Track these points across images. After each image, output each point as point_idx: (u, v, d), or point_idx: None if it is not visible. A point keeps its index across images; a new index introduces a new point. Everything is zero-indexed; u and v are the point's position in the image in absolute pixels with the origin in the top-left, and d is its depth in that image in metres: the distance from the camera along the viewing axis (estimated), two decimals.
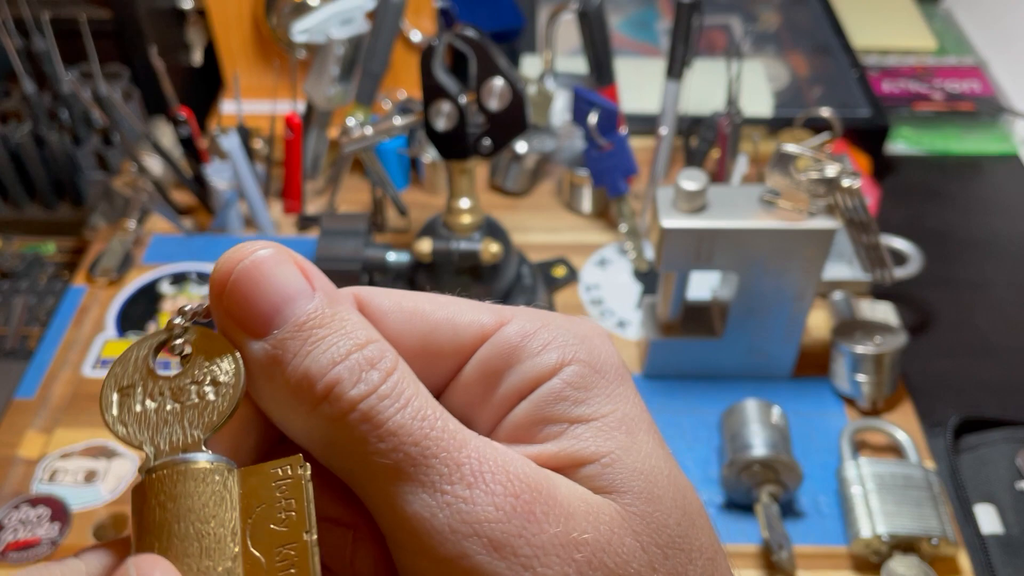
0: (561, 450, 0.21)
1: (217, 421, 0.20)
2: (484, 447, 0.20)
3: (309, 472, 0.19)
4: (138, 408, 0.20)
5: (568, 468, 0.21)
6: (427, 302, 0.23)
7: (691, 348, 0.68)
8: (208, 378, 0.20)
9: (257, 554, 0.19)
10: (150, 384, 0.21)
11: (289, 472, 0.19)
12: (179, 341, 0.21)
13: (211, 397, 0.20)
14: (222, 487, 0.19)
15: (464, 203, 0.68)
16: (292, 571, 0.18)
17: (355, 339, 0.20)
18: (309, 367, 0.19)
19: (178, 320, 0.21)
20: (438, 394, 0.23)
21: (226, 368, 0.20)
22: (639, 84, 0.93)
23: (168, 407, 0.20)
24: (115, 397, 0.21)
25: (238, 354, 0.20)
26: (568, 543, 0.19)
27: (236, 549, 0.18)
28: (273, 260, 0.20)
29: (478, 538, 0.19)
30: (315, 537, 0.19)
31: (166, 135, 0.85)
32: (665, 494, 0.21)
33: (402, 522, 0.19)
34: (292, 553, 0.19)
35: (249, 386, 0.20)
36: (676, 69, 0.78)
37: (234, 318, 0.20)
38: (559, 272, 0.78)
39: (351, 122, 0.76)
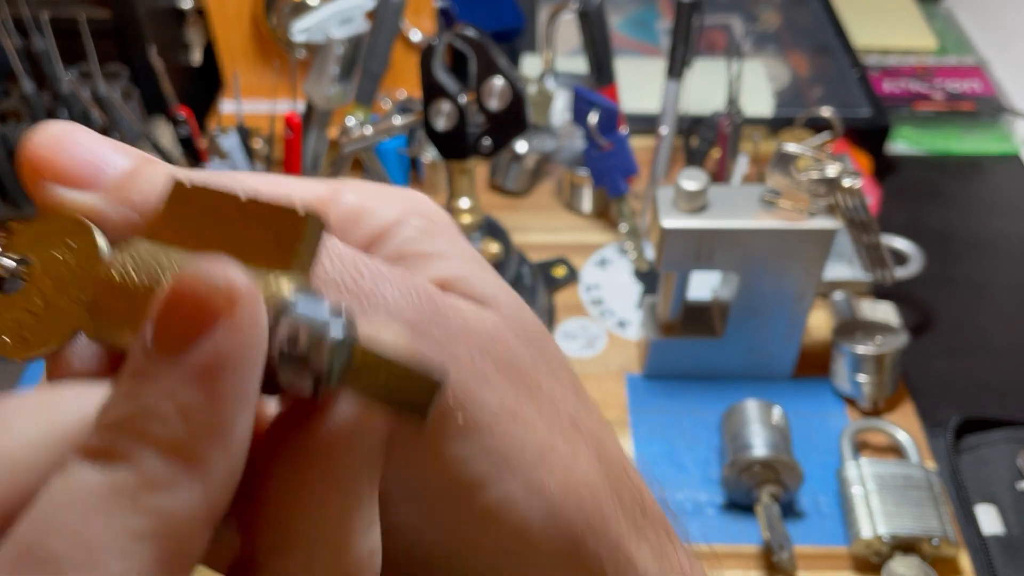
0: (428, 275, 0.22)
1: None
2: (377, 262, 0.20)
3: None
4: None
5: (439, 287, 0.22)
6: (260, 180, 0.22)
7: (691, 348, 0.68)
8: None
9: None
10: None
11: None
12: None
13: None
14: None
15: (464, 203, 0.68)
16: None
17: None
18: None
19: None
20: None
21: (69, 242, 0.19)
22: (639, 84, 0.93)
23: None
24: None
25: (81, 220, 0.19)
26: (468, 331, 0.20)
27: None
28: (72, 127, 0.19)
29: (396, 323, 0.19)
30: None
31: (165, 135, 0.85)
32: (523, 307, 0.23)
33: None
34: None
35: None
36: (676, 69, 0.78)
37: (54, 178, 0.19)
38: (559, 272, 0.78)
39: (351, 122, 0.76)
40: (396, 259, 0.22)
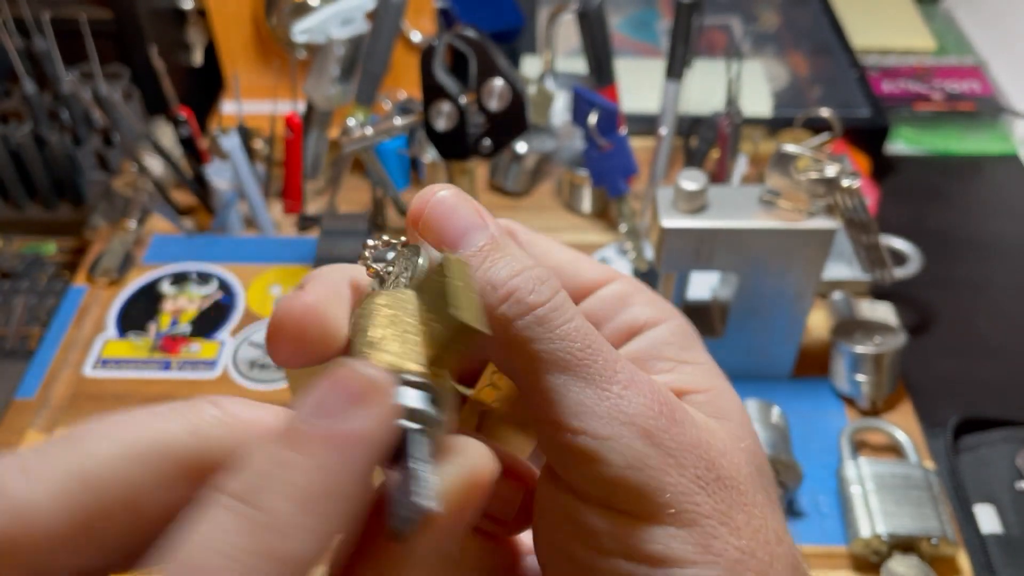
0: (673, 381, 0.26)
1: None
2: (631, 366, 0.24)
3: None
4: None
5: (680, 395, 0.26)
6: (556, 245, 0.28)
7: None
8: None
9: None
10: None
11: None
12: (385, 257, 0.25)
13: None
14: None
15: None
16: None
17: (524, 262, 0.24)
18: (492, 277, 0.23)
19: (375, 242, 0.25)
20: None
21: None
22: (639, 84, 0.94)
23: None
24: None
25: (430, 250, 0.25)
26: (699, 444, 0.24)
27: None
28: (454, 199, 0.25)
29: (633, 426, 0.23)
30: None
31: (166, 135, 0.85)
32: (751, 433, 0.26)
33: (563, 407, 0.23)
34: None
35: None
36: (676, 69, 0.78)
37: (430, 239, 0.24)
38: None
39: (351, 122, 0.76)
40: (648, 358, 0.27)
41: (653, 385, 0.24)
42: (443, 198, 0.25)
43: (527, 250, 0.26)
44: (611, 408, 0.23)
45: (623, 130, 0.77)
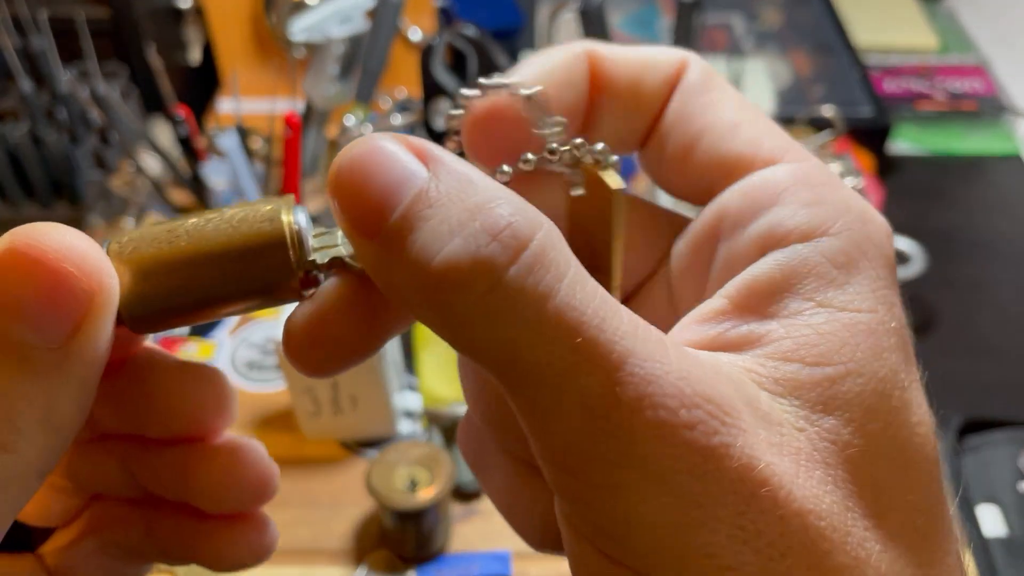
0: (789, 335, 0.17)
1: None
2: (652, 358, 0.16)
3: None
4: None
5: (788, 361, 0.17)
6: (727, 97, 0.21)
7: None
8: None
9: None
10: None
11: None
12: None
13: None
14: None
15: None
16: None
17: (473, 206, 0.16)
18: (419, 252, 0.16)
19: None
20: (703, 195, 0.21)
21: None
22: None
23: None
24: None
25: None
26: (750, 478, 0.16)
27: None
28: (378, 150, 0.17)
29: (639, 470, 0.16)
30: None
31: (164, 134, 0.85)
32: (881, 431, 0.17)
33: (551, 441, 0.16)
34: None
35: (378, 282, 0.18)
36: None
37: (348, 219, 0.17)
38: None
39: (350, 121, 0.76)
40: (775, 291, 0.18)
41: (683, 393, 0.16)
42: (358, 155, 0.17)
43: (688, 100, 0.20)
44: (607, 441, 0.16)
45: None
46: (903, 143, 0.95)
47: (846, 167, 0.58)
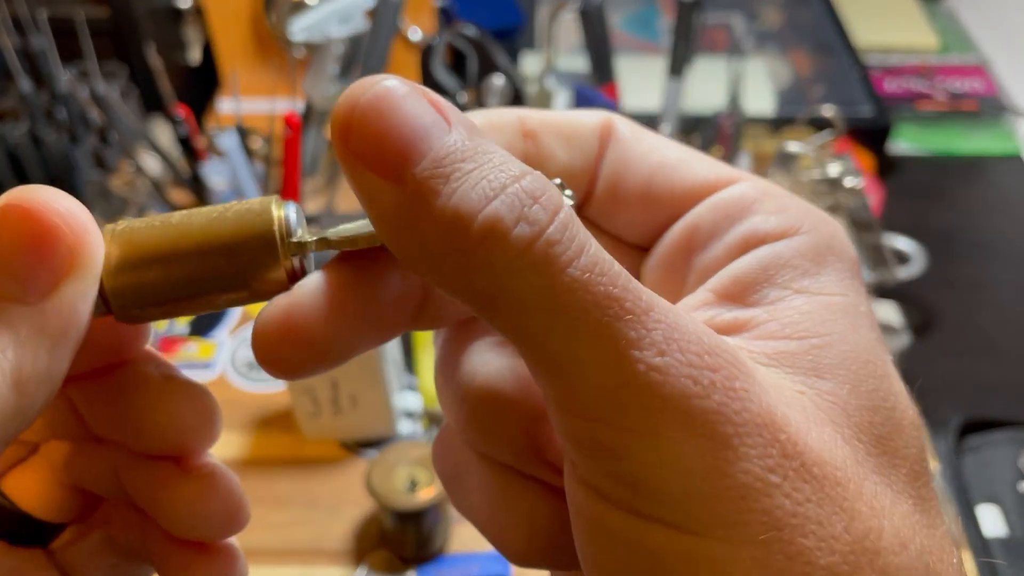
0: (773, 318, 0.19)
1: None
2: (673, 314, 0.17)
3: None
4: None
5: (775, 339, 0.19)
6: (664, 142, 0.22)
7: None
8: None
9: None
10: None
11: None
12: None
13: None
14: None
15: None
16: None
17: (509, 171, 0.16)
18: (459, 206, 0.16)
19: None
20: (649, 244, 0.22)
21: None
22: (640, 82, 0.93)
23: None
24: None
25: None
26: (770, 423, 0.16)
27: None
28: (400, 92, 0.17)
29: (672, 412, 0.16)
30: None
31: (164, 134, 0.84)
32: (873, 391, 0.18)
33: (581, 390, 0.16)
34: None
35: (391, 240, 0.17)
36: (677, 67, 0.77)
37: (364, 160, 0.17)
38: None
39: None
40: (754, 283, 0.20)
41: (704, 342, 0.17)
42: (379, 95, 0.17)
43: (626, 149, 0.21)
44: (641, 390, 0.16)
45: None
46: (903, 143, 0.95)
47: (846, 167, 0.58)
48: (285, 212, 0.19)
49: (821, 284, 0.19)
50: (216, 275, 0.19)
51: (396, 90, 0.17)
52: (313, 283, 0.18)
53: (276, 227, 0.19)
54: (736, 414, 0.16)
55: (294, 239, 0.19)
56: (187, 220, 0.19)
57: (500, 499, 0.21)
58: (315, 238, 0.19)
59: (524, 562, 0.21)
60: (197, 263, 0.19)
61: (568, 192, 0.20)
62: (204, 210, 0.19)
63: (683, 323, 0.17)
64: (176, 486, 0.21)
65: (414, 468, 0.58)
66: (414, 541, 0.58)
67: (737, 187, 0.21)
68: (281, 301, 0.18)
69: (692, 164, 0.22)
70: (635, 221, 0.22)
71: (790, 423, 0.17)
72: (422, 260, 0.17)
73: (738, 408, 0.16)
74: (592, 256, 0.16)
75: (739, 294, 0.20)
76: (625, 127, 0.22)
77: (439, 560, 0.59)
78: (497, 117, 0.22)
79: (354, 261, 0.19)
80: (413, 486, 0.57)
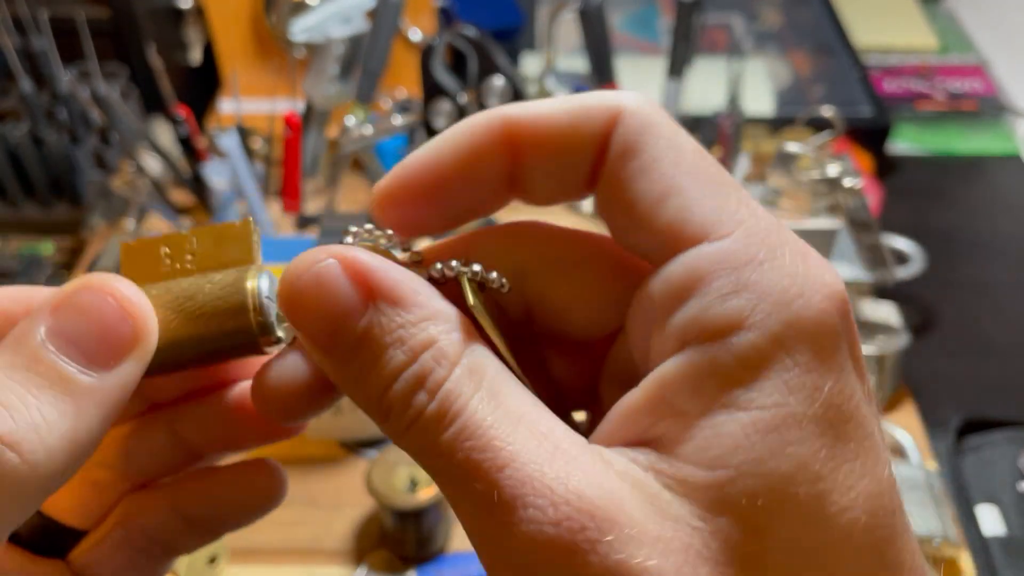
0: (689, 438, 0.18)
1: None
2: (536, 460, 0.18)
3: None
4: None
5: (687, 462, 0.18)
6: (675, 151, 0.19)
7: None
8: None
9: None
10: None
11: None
12: None
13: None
14: None
15: None
16: None
17: (409, 350, 0.19)
18: (369, 393, 0.19)
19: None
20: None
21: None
22: (640, 83, 0.93)
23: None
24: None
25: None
26: (623, 570, 0.17)
27: None
28: (324, 275, 0.19)
29: (519, 570, 0.18)
30: None
31: (164, 134, 0.85)
32: (782, 526, 0.17)
33: (470, 535, 0.19)
34: None
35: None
36: (677, 68, 0.78)
37: (302, 331, 0.20)
38: None
39: (350, 121, 0.76)
40: (684, 388, 0.18)
41: (556, 493, 0.17)
42: (312, 276, 0.19)
43: (625, 162, 0.19)
44: (492, 546, 0.18)
45: None
46: (903, 143, 0.95)
47: (845, 167, 0.58)
48: (258, 285, 0.22)
49: (752, 396, 0.18)
50: (205, 348, 0.22)
51: (320, 276, 0.19)
52: (295, 361, 0.22)
53: (251, 306, 0.22)
54: (574, 569, 0.17)
55: (271, 326, 0.22)
56: (185, 302, 0.22)
57: None
58: (289, 336, 0.22)
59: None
60: (191, 341, 0.22)
61: (503, 282, 0.21)
62: (195, 289, 0.22)
63: (537, 474, 0.17)
64: (242, 398, 0.25)
65: (414, 468, 0.58)
66: (414, 540, 0.58)
67: (695, 253, 0.19)
68: (278, 370, 0.21)
69: (675, 202, 0.19)
70: (635, 245, 0.20)
71: (646, 570, 0.17)
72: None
73: (578, 563, 0.17)
74: (462, 422, 0.18)
75: (668, 400, 0.18)
76: (631, 127, 0.20)
77: (439, 560, 0.59)
78: (476, 128, 0.21)
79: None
80: (413, 485, 0.57)
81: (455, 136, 0.21)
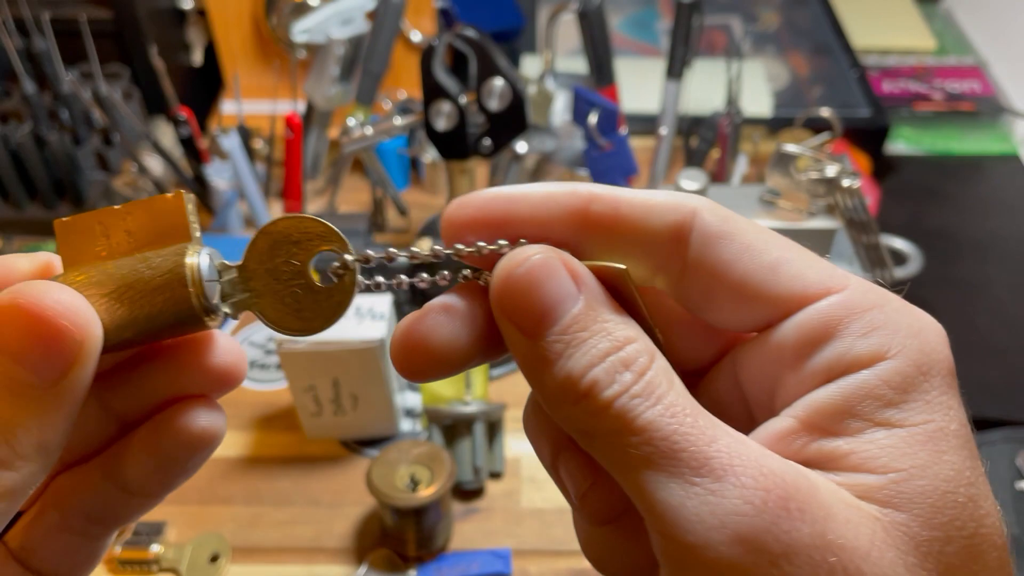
0: (854, 451, 0.20)
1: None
2: (736, 443, 0.20)
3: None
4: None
5: (857, 471, 0.20)
6: (758, 237, 0.22)
7: None
8: None
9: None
10: None
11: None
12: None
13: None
14: None
15: None
16: None
17: (613, 340, 0.21)
18: (571, 370, 0.21)
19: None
20: (752, 328, 0.23)
21: None
22: (639, 84, 0.93)
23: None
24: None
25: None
26: (822, 545, 0.19)
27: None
28: (543, 267, 0.21)
29: (724, 530, 0.19)
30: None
31: (166, 135, 0.85)
32: (949, 522, 0.20)
33: (652, 506, 0.20)
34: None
35: (525, 374, 0.22)
36: (676, 69, 0.78)
37: (511, 321, 0.21)
38: None
39: (351, 122, 0.76)
40: (837, 414, 0.21)
41: (762, 467, 0.19)
42: (531, 267, 0.21)
43: (713, 250, 0.22)
44: (699, 508, 0.19)
45: (623, 130, 0.77)
46: (901, 144, 0.96)
47: (843, 168, 0.58)
48: (198, 260, 0.22)
49: (904, 415, 0.20)
50: (149, 323, 0.22)
51: (540, 266, 0.21)
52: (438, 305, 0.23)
53: (189, 281, 0.22)
54: (785, 533, 0.18)
55: (212, 300, 0.22)
56: (120, 279, 0.22)
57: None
58: (230, 306, 0.23)
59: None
60: (135, 316, 0.22)
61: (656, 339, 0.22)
62: (133, 266, 0.22)
63: (742, 451, 0.20)
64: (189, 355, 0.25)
65: (415, 467, 0.58)
66: (415, 539, 0.59)
67: (825, 304, 0.21)
68: (408, 322, 0.23)
69: (787, 269, 0.22)
70: (727, 318, 0.23)
71: (846, 547, 0.19)
72: (541, 395, 0.22)
73: (787, 528, 0.18)
74: (667, 403, 0.20)
75: (822, 424, 0.21)
76: (711, 222, 0.22)
77: (440, 558, 0.60)
78: (562, 189, 0.23)
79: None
80: (414, 484, 0.57)
81: (540, 188, 0.23)
